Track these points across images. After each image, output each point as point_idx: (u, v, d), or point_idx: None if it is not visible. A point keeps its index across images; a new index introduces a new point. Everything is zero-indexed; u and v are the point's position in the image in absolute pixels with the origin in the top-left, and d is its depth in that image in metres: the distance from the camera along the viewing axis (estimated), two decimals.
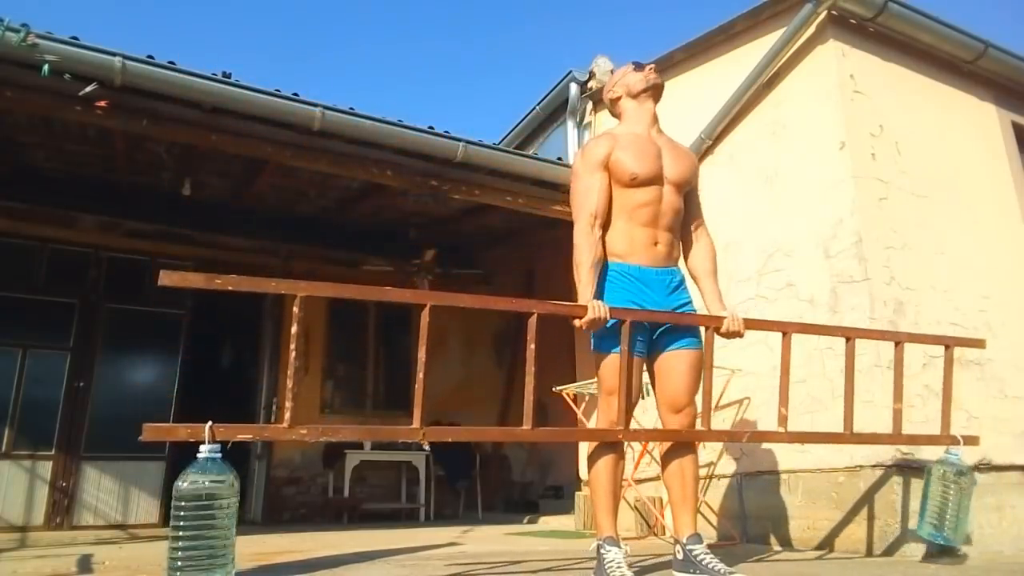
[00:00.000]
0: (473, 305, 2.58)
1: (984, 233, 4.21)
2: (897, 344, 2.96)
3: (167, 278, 2.01)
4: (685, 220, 2.69)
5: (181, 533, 1.97)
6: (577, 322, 2.36)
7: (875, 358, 3.47)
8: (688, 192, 2.68)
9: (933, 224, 3.99)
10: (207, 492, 1.99)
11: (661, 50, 5.15)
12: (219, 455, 2.05)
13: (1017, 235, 4.37)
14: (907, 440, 3.01)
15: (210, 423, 2.03)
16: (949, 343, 3.12)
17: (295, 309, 2.18)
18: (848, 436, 2.81)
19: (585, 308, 2.34)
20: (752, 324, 2.67)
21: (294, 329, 2.18)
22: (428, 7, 27.02)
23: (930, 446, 3.35)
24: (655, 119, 2.70)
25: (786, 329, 2.78)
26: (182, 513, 1.98)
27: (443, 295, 2.50)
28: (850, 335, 2.89)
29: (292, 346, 2.21)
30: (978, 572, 2.74)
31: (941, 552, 3.01)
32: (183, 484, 2.00)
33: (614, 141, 2.58)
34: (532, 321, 2.40)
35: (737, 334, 2.58)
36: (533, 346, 2.38)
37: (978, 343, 3.24)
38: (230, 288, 2.12)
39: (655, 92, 2.70)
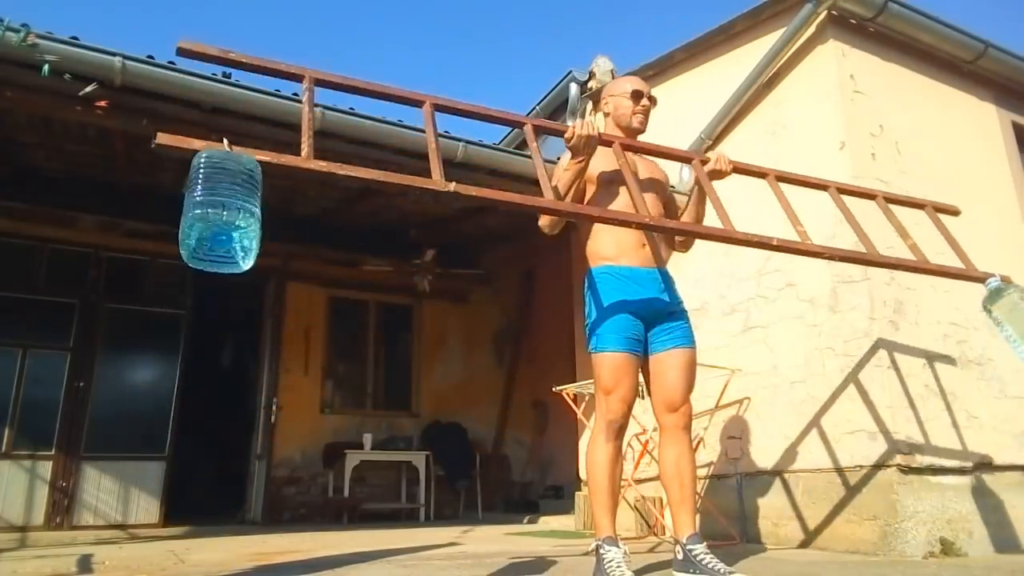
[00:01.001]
0: (471, 110, 2.42)
1: (984, 233, 4.21)
2: (874, 198, 3.03)
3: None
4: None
5: (201, 181, 1.77)
6: (567, 134, 2.40)
7: (875, 358, 3.47)
8: (667, 202, 2.78)
9: (933, 224, 3.98)
10: (236, 160, 1.83)
11: (661, 50, 5.16)
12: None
13: (1017, 235, 4.37)
14: (936, 270, 2.89)
15: (226, 139, 1.89)
16: (924, 203, 3.19)
17: (304, 86, 2.12)
18: (876, 257, 2.72)
19: (570, 128, 2.38)
20: (739, 167, 2.69)
21: (305, 110, 2.08)
22: (428, 7, 27.02)
23: (929, 449, 3.37)
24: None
25: (767, 172, 2.78)
26: (204, 164, 1.78)
27: (442, 99, 2.36)
28: (828, 185, 2.92)
29: (306, 109, 2.08)
30: (978, 572, 2.74)
31: (953, 550, 3.00)
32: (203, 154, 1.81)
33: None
34: (529, 130, 2.40)
35: (722, 173, 2.63)
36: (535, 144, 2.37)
37: (952, 209, 3.26)
38: (244, 61, 2.05)
39: (632, 134, 2.73)
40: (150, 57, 3.51)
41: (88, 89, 3.37)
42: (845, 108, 3.89)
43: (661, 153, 2.72)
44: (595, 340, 2.52)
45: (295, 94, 3.92)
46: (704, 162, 2.63)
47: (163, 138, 1.85)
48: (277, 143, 4.06)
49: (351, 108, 4.05)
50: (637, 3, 28.64)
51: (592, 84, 5.86)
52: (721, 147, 4.64)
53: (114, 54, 3.35)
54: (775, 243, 2.52)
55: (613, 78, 5.71)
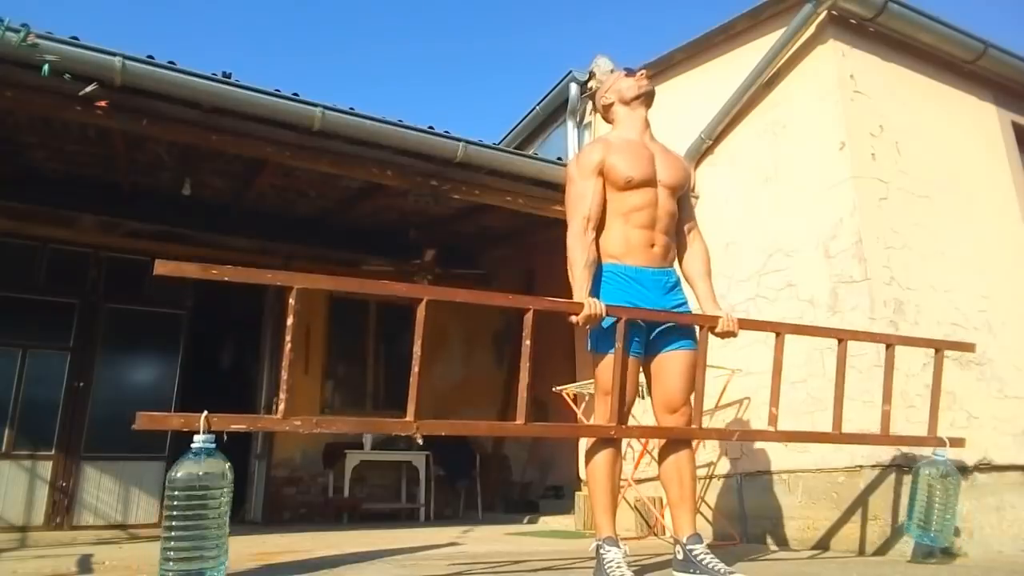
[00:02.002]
0: (470, 300, 2.57)
1: (984, 233, 4.21)
2: (888, 347, 2.98)
3: (162, 267, 1.99)
4: (679, 224, 2.72)
5: (174, 523, 1.96)
6: (573, 318, 2.39)
7: (875, 358, 3.47)
8: (681, 196, 2.71)
9: (933, 224, 3.99)
10: (201, 483, 1.99)
11: (661, 50, 5.16)
12: (214, 445, 2.05)
13: (1017, 235, 4.37)
14: (894, 441, 3.04)
15: (205, 413, 2.02)
16: (939, 347, 3.15)
17: (291, 301, 2.18)
18: (837, 436, 2.84)
19: (581, 305, 2.35)
20: (746, 324, 2.69)
21: (290, 321, 2.17)
22: (428, 7, 27.02)
23: (929, 450, 3.36)
24: (647, 124, 2.73)
25: (779, 330, 2.80)
26: (175, 503, 1.97)
27: (440, 290, 2.51)
28: (842, 336, 2.91)
29: (288, 338, 2.20)
30: (978, 572, 2.74)
31: (929, 553, 3.01)
32: (177, 474, 1.99)
33: (607, 147, 2.60)
34: (528, 317, 2.40)
35: (731, 334, 2.60)
36: (528, 342, 2.38)
37: (968, 347, 3.26)
38: (226, 279, 2.11)
39: (646, 99, 2.72)
40: (150, 57, 3.51)
41: (88, 89, 3.37)
42: (845, 108, 3.89)
43: (680, 320, 2.67)
44: (596, 341, 2.52)
45: (295, 94, 3.92)
46: (712, 327, 2.59)
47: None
48: (277, 143, 4.08)
49: (351, 108, 4.05)
50: (637, 3, 28.64)
51: (592, 84, 5.86)
52: (721, 147, 4.65)
53: (114, 54, 3.35)
54: (735, 437, 2.84)
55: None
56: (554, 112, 6.26)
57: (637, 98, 2.69)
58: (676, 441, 2.54)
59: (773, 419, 2.68)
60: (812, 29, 4.11)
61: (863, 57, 4.12)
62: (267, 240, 6.42)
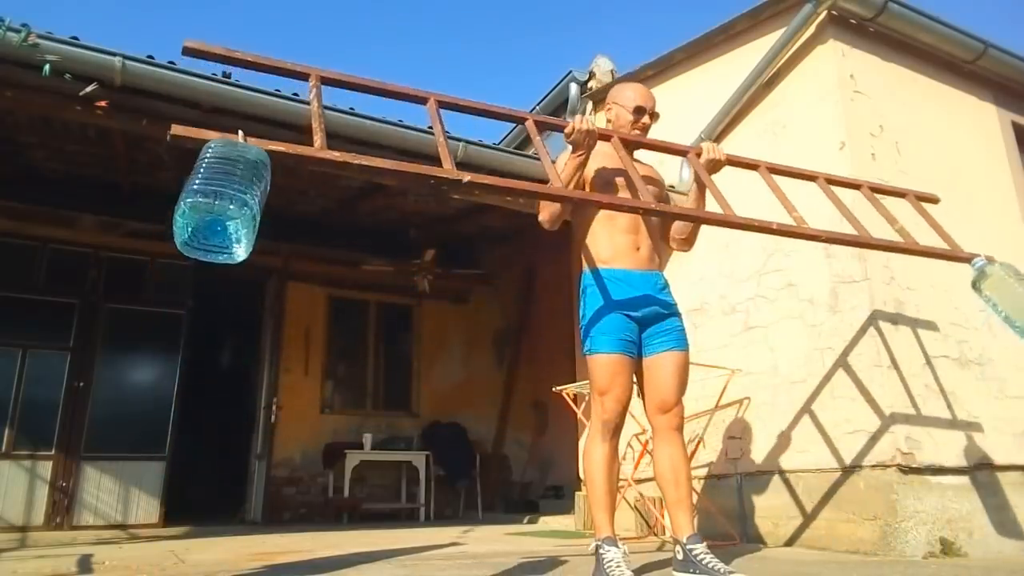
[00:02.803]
0: (474, 107, 2.43)
1: (984, 233, 4.21)
2: (859, 187, 3.09)
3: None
4: (664, 228, 2.81)
5: (202, 170, 1.75)
6: (567, 129, 2.41)
7: (875, 358, 3.47)
8: (662, 201, 2.77)
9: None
10: (240, 149, 1.82)
11: (661, 50, 5.16)
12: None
13: (1017, 235, 4.36)
14: (923, 251, 2.96)
15: (241, 131, 1.87)
16: (907, 192, 3.24)
17: (312, 87, 2.12)
18: (868, 240, 2.76)
19: (570, 124, 2.40)
20: (732, 159, 2.71)
21: (314, 105, 2.07)
22: (428, 7, 27.02)
23: (929, 449, 3.37)
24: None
25: (758, 164, 2.81)
26: (209, 152, 1.77)
27: (446, 96, 2.37)
28: (816, 176, 2.97)
29: (314, 102, 2.07)
30: (978, 572, 2.74)
31: (952, 550, 3.00)
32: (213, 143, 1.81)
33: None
34: (531, 125, 2.40)
35: (718, 161, 2.64)
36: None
37: (931, 198, 3.31)
38: (249, 60, 2.06)
39: (630, 148, 2.72)
40: (150, 57, 3.51)
41: (88, 89, 3.37)
42: (845, 108, 3.89)
43: (657, 147, 2.75)
44: (589, 342, 2.54)
45: (295, 94, 3.92)
46: (698, 154, 2.66)
47: (177, 130, 1.86)
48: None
49: (351, 108, 4.05)
50: (637, 3, 28.65)
51: (592, 84, 5.86)
52: (721, 147, 4.64)
53: (114, 54, 3.35)
54: (775, 227, 2.54)
55: (613, 78, 5.72)
56: (554, 112, 6.26)
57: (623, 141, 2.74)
58: (670, 442, 2.55)
59: (800, 220, 2.65)
60: (812, 29, 4.11)
61: (863, 57, 4.12)
62: (267, 240, 6.38)
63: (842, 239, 2.81)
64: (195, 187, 1.74)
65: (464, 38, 28.89)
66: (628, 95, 2.79)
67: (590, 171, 2.62)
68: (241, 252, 1.82)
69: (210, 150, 1.79)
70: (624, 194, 2.61)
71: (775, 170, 2.85)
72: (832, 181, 3.01)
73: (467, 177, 2.08)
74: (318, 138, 1.99)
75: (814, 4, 3.97)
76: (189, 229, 1.76)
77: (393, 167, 2.07)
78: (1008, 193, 4.49)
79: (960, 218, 4.15)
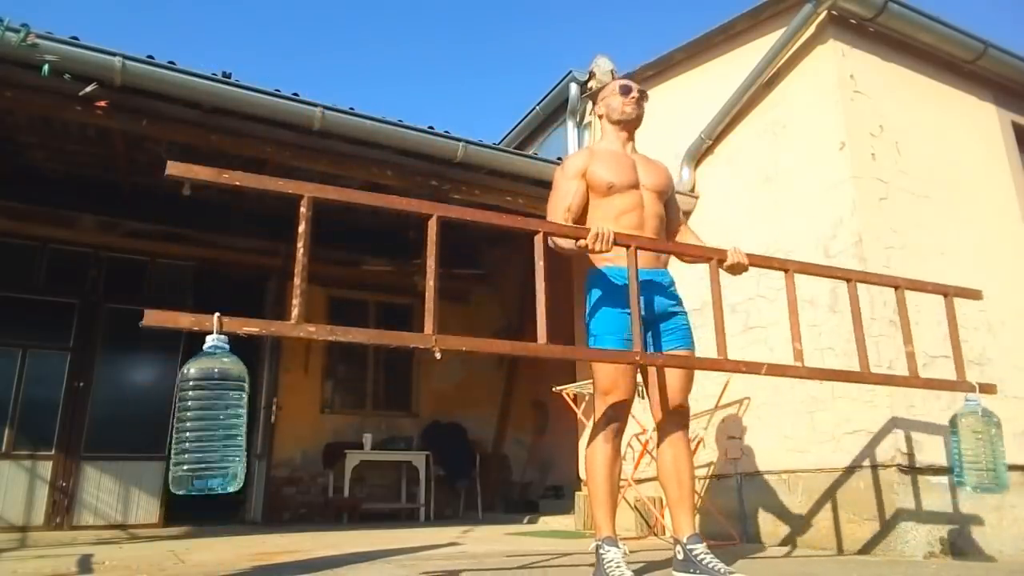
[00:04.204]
0: (480, 219, 2.46)
1: (984, 233, 4.21)
2: (896, 288, 3.02)
3: (174, 168, 1.90)
4: (668, 227, 2.77)
5: (187, 423, 1.81)
6: (581, 242, 2.38)
7: (875, 358, 3.47)
8: (668, 201, 2.76)
9: (933, 224, 3.99)
10: (216, 379, 1.84)
11: (661, 50, 5.17)
12: (227, 347, 1.90)
13: (1017, 235, 4.37)
14: (924, 384, 2.99)
15: (217, 313, 1.91)
16: (947, 291, 3.17)
17: (303, 210, 2.13)
18: (867, 375, 2.79)
19: (588, 230, 2.37)
20: (755, 260, 2.68)
21: (301, 228, 2.11)
22: (428, 7, 27.03)
23: (929, 449, 3.37)
24: (630, 138, 2.79)
25: (787, 267, 2.78)
26: (188, 399, 1.82)
27: (450, 208, 2.42)
28: (850, 277, 2.92)
29: (300, 244, 2.13)
30: (978, 572, 2.74)
31: (953, 550, 2.99)
32: (190, 369, 1.84)
33: (591, 155, 2.68)
34: (538, 239, 2.38)
35: (741, 266, 2.62)
36: (542, 263, 2.33)
37: (975, 294, 3.26)
38: (237, 183, 2.07)
39: (627, 125, 2.76)
40: (150, 57, 3.51)
41: (88, 89, 3.37)
42: (845, 108, 3.90)
43: (686, 253, 2.72)
44: (593, 341, 2.54)
45: (295, 94, 3.92)
46: (721, 261, 2.62)
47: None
48: (277, 143, 4.08)
49: (351, 108, 4.05)
50: (637, 3, 28.65)
51: (592, 84, 5.85)
52: (721, 147, 4.65)
53: (114, 54, 3.35)
54: (763, 370, 2.61)
55: (613, 78, 5.71)
56: (554, 112, 6.27)
57: (618, 123, 2.75)
58: (675, 441, 2.54)
59: (799, 355, 2.65)
60: (812, 29, 4.11)
61: (863, 57, 4.12)
62: (267, 240, 6.42)
63: (837, 376, 2.92)
64: (186, 468, 1.85)
65: (464, 38, 28.91)
66: (611, 85, 2.85)
67: (594, 176, 2.60)
68: (236, 483, 1.90)
69: (191, 381, 1.84)
70: (628, 200, 2.59)
71: (803, 270, 2.86)
72: (866, 281, 3.00)
73: (437, 348, 2.17)
74: (297, 306, 2.02)
75: (814, 4, 3.97)
76: (188, 479, 1.88)
77: (371, 336, 2.14)
78: (1008, 193, 4.49)
79: (960, 218, 4.16)
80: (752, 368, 2.58)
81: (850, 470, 3.46)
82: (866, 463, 3.39)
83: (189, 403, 1.82)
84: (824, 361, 3.68)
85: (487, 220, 2.47)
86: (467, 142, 4.37)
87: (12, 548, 4.15)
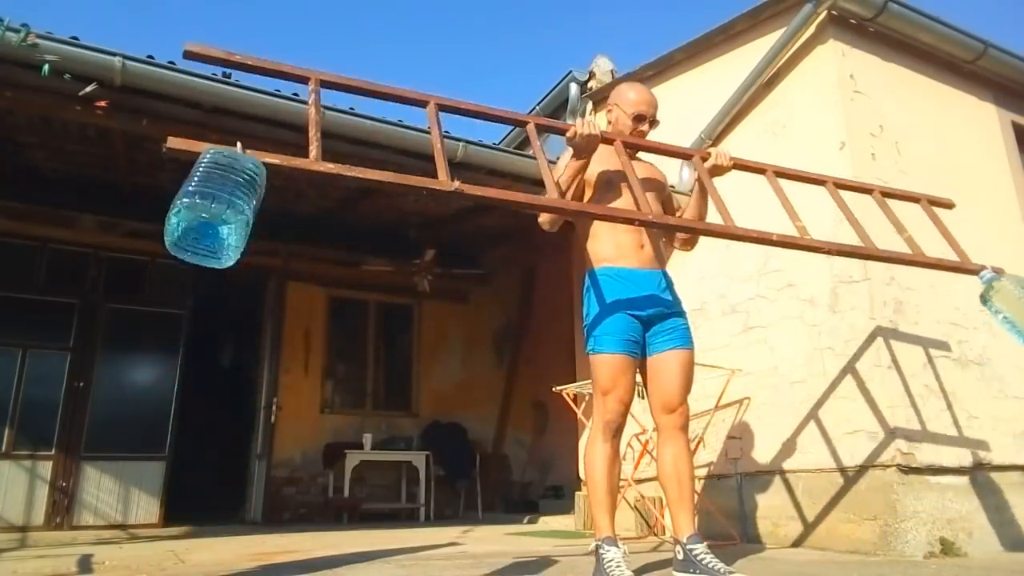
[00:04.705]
0: (472, 110, 2.39)
1: (984, 233, 4.21)
2: (871, 192, 3.05)
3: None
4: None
5: (199, 172, 1.75)
6: (568, 134, 2.38)
7: (875, 358, 3.47)
8: (665, 200, 2.77)
9: (933, 224, 3.98)
10: (237, 160, 1.81)
11: (661, 50, 5.16)
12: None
13: (1017, 235, 4.37)
14: (933, 263, 2.93)
15: (239, 143, 1.87)
16: (919, 198, 3.20)
17: (312, 93, 2.11)
18: (873, 251, 2.72)
19: (573, 126, 2.36)
20: (739, 163, 2.67)
21: (311, 112, 2.07)
22: (428, 7, 27.03)
23: (929, 449, 3.37)
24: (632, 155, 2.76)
25: (766, 168, 2.78)
26: (205, 159, 1.78)
27: (446, 99, 2.35)
28: (826, 180, 2.94)
29: (312, 110, 2.07)
30: (978, 572, 2.74)
31: (952, 550, 2.99)
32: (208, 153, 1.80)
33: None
34: (531, 128, 2.38)
35: (725, 167, 2.62)
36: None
37: (946, 203, 3.27)
38: (249, 63, 2.05)
39: (633, 149, 2.71)
40: (150, 57, 3.51)
41: (88, 89, 3.37)
42: (845, 108, 3.89)
43: (662, 150, 2.72)
44: (593, 342, 2.53)
45: (295, 94, 3.92)
46: (704, 158, 2.64)
47: (174, 142, 1.85)
48: (277, 143, 4.06)
49: (351, 108, 4.05)
50: (637, 3, 28.65)
51: (592, 84, 5.86)
52: (721, 147, 4.64)
53: (114, 54, 3.35)
54: (775, 238, 2.52)
55: (613, 78, 5.72)
56: (554, 112, 6.26)
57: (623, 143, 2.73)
58: (674, 441, 2.54)
59: (803, 230, 2.61)
60: (812, 29, 4.11)
61: (863, 57, 4.12)
62: (267, 240, 6.41)
63: (846, 251, 2.77)
64: (192, 188, 1.74)
65: (463, 38, 28.91)
66: (630, 98, 2.75)
67: (592, 173, 2.62)
68: (230, 257, 1.81)
69: (207, 156, 1.80)
70: (626, 197, 2.58)
71: (782, 174, 2.83)
72: (841, 185, 2.96)
73: (455, 185, 2.04)
74: (314, 148, 2.00)
75: (814, 4, 3.97)
76: (181, 227, 1.75)
77: (387, 178, 2.06)
78: (1008, 193, 4.49)
79: (960, 218, 4.15)
80: (763, 237, 2.50)
81: (850, 470, 3.46)
82: (866, 463, 3.39)
83: (200, 168, 1.76)
84: (824, 361, 3.69)
85: (482, 111, 2.40)
86: (467, 142, 4.37)
87: (12, 548, 4.16)
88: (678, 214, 2.84)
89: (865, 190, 3.08)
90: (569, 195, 2.54)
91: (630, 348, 2.49)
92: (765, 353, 4.02)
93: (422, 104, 2.32)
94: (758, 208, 4.42)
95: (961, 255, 3.01)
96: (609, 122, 2.81)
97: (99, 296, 6.15)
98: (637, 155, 2.76)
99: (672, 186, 2.98)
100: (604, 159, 2.62)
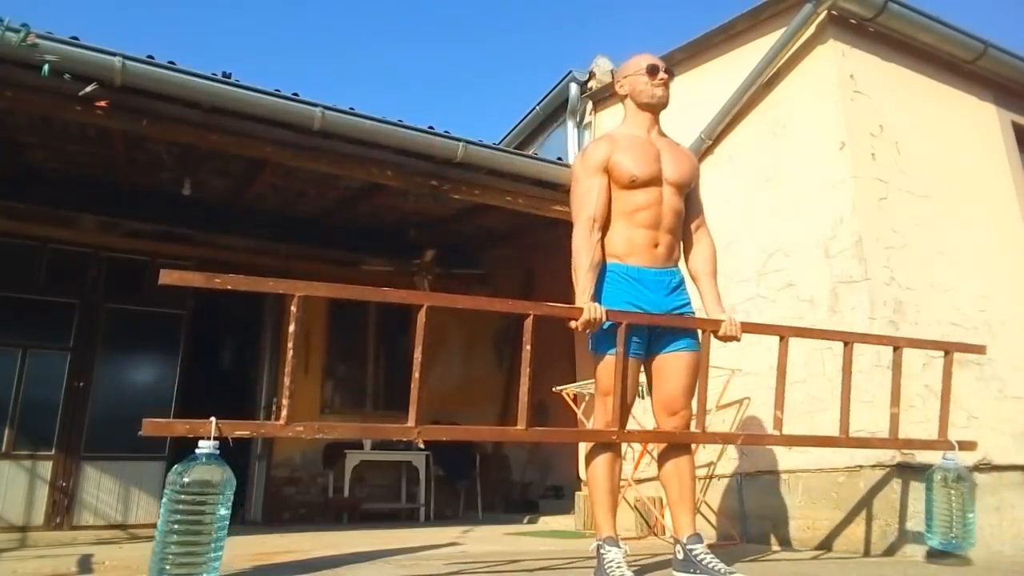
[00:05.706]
0: (470, 306, 2.58)
1: (984, 233, 4.21)
2: (896, 349, 2.95)
3: (167, 276, 2.01)
4: (686, 221, 2.69)
5: (176, 527, 1.94)
6: (573, 323, 2.36)
7: (875, 358, 3.47)
8: (689, 193, 2.67)
9: (933, 224, 3.99)
10: (204, 489, 1.99)
11: (661, 50, 5.15)
12: (218, 451, 2.05)
13: (1017, 235, 4.37)
14: (903, 444, 3.00)
15: (213, 419, 2.02)
16: (949, 348, 3.09)
17: (293, 308, 2.19)
18: (843, 440, 2.81)
19: (581, 310, 2.34)
20: (749, 328, 2.67)
21: (291, 328, 2.19)
22: (428, 7, 27.03)
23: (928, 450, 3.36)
24: (655, 122, 2.68)
25: (782, 333, 2.77)
26: (178, 506, 1.95)
27: (440, 296, 2.49)
28: (848, 339, 2.88)
29: (290, 345, 2.21)
30: (978, 572, 2.74)
31: (944, 553, 2.99)
32: (184, 479, 1.98)
33: (613, 144, 2.57)
34: (528, 323, 2.39)
35: (734, 338, 2.58)
36: (528, 347, 2.37)
37: (979, 349, 3.21)
38: (229, 287, 2.12)
39: (655, 108, 2.66)
40: (150, 57, 3.51)
41: (88, 89, 3.37)
42: (845, 108, 3.89)
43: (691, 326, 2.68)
44: (596, 341, 2.50)
45: (295, 94, 3.92)
46: (715, 331, 2.57)
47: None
48: (277, 143, 4.08)
49: (351, 108, 4.05)
50: (637, 3, 28.65)
51: (592, 84, 5.86)
52: (721, 147, 4.64)
53: (114, 54, 3.35)
54: (740, 441, 2.86)
55: (613, 79, 5.71)
56: (554, 112, 6.26)
57: (644, 106, 2.65)
58: (677, 443, 2.53)
59: (778, 423, 2.67)
60: (812, 29, 4.11)
61: (863, 57, 4.12)
62: (267, 240, 6.42)
63: (815, 442, 3.02)
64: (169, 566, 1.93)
65: (463, 38, 28.91)
66: (636, 62, 2.68)
67: (617, 165, 2.52)
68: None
69: (181, 496, 1.98)
70: (647, 193, 2.51)
71: (800, 333, 2.86)
72: (864, 341, 2.98)
73: (420, 440, 2.31)
74: (284, 411, 2.17)
75: (814, 4, 3.97)
76: None
77: (359, 432, 2.26)
78: (1008, 193, 4.49)
79: (960, 218, 4.16)
80: (728, 439, 2.87)
81: (850, 470, 3.45)
82: (866, 463, 3.39)
83: (179, 507, 1.97)
84: (823, 362, 3.68)
85: (476, 306, 2.58)
86: (467, 142, 4.37)
87: (12, 548, 4.16)
88: (697, 207, 2.76)
89: (890, 344, 3.02)
90: (600, 209, 2.52)
91: (633, 349, 2.46)
92: (764, 353, 4.01)
93: (415, 308, 2.48)
94: (758, 209, 4.44)
95: (943, 428, 3.02)
96: (624, 96, 2.71)
97: (99, 296, 6.15)
98: (671, 137, 2.70)
99: None
100: (629, 148, 2.54)
